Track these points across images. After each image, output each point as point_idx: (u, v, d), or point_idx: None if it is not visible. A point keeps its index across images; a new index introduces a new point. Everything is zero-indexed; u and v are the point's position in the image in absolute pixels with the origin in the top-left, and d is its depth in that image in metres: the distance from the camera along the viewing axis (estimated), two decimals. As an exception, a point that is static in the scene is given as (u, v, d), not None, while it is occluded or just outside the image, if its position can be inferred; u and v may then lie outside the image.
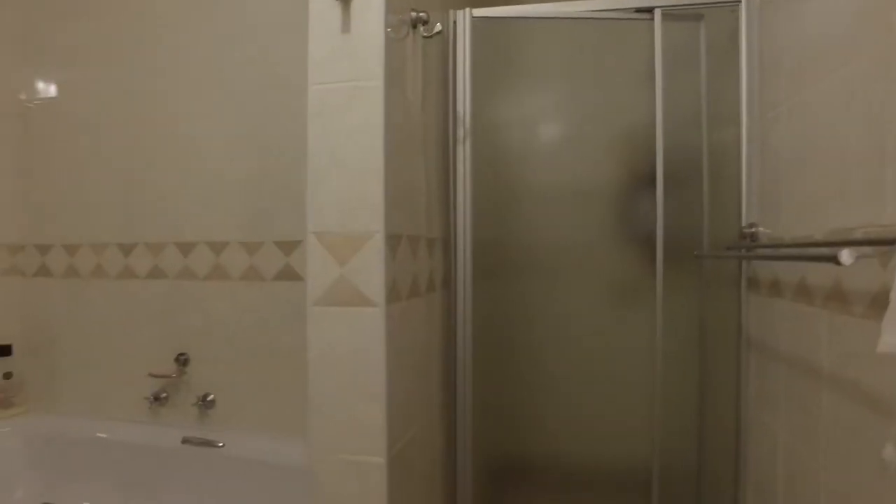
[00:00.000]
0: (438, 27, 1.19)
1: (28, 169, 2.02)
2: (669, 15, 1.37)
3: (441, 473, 1.41)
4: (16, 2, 2.00)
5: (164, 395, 1.86)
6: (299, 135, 1.67)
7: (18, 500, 1.81)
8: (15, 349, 1.98)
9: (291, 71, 1.71)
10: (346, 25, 0.99)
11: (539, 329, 1.63)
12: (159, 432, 1.82)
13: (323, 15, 1.00)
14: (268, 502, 1.62)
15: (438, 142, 1.38)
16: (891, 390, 0.71)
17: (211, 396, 1.82)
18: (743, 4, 1.28)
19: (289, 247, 1.74)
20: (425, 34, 1.18)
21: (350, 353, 0.99)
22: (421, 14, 1.14)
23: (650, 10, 1.37)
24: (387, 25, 1.00)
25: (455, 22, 1.37)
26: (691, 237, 1.47)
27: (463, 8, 1.38)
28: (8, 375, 1.95)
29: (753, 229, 1.27)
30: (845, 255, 0.63)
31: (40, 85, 2.01)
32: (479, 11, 1.39)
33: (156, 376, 1.84)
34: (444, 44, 1.37)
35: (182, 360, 1.84)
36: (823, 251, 0.71)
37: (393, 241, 1.02)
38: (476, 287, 1.42)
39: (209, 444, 1.73)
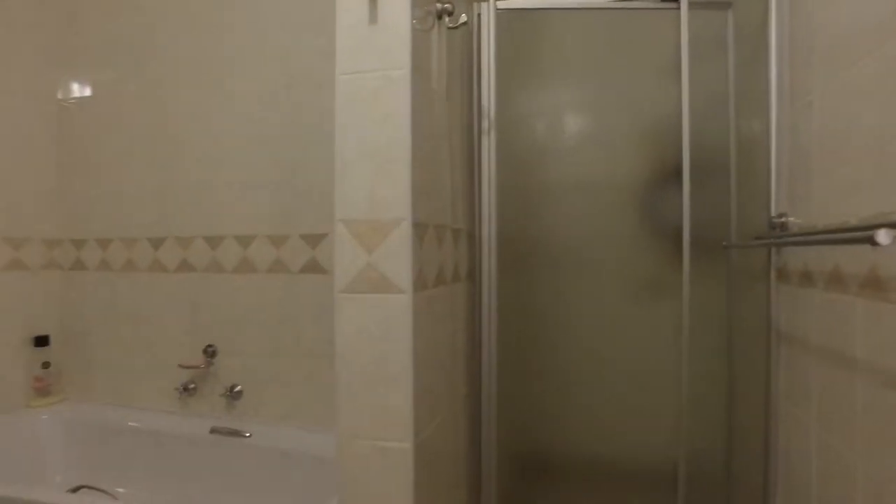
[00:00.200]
0: (463, 18, 1.20)
1: (64, 166, 2.09)
2: (696, 3, 1.36)
3: (465, 465, 1.42)
4: (53, 5, 2.08)
5: (192, 385, 1.90)
6: (324, 130, 1.71)
7: (58, 484, 1.87)
8: (52, 340, 2.05)
9: (317, 66, 1.74)
10: (373, 16, 1.01)
11: (564, 322, 1.62)
12: (188, 422, 1.86)
13: (350, 6, 1.02)
14: (293, 490, 1.64)
15: (463, 133, 1.39)
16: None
17: (238, 387, 1.86)
18: (773, -10, 1.25)
19: (315, 240, 1.77)
20: (450, 25, 1.19)
21: (377, 339, 1.01)
22: (446, 5, 1.15)
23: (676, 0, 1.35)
24: (413, 16, 1.01)
25: (479, 13, 1.37)
26: (718, 229, 1.45)
27: (487, -1, 1.39)
28: (46, 365, 2.02)
29: (783, 219, 1.25)
30: (882, 235, 0.62)
31: (76, 84, 2.08)
32: (504, 3, 1.39)
33: (185, 367, 1.88)
34: (469, 35, 1.37)
35: (210, 352, 1.88)
36: (858, 234, 0.69)
37: (420, 229, 1.03)
38: (500, 279, 1.42)
39: (236, 433, 1.77)
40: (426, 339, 1.07)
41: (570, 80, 1.65)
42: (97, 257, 2.05)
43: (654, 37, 1.51)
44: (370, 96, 1.01)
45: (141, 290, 1.99)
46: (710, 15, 1.43)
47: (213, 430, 1.79)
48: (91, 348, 2.06)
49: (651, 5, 1.39)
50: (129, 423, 1.91)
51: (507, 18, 1.40)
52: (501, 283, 1.42)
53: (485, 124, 1.38)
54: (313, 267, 1.77)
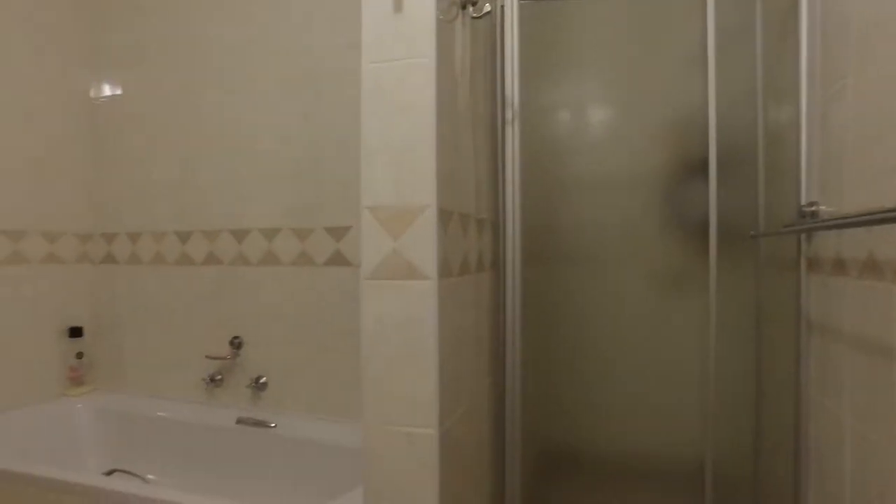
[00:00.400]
0: (487, 8, 1.20)
1: (96, 163, 2.15)
2: (723, -12, 1.33)
3: (489, 459, 1.42)
4: (85, 8, 2.14)
5: (219, 376, 1.94)
6: (347, 124, 1.73)
7: (91, 468, 1.93)
8: (85, 331, 2.11)
9: (339, 62, 1.76)
10: (398, 5, 1.01)
11: (588, 315, 1.61)
12: (215, 413, 1.90)
13: (376, -6, 1.03)
14: (318, 479, 1.66)
15: (486, 123, 1.39)
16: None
17: (263, 379, 1.89)
18: (804, -28, 1.23)
19: (338, 232, 1.79)
20: (474, 15, 1.20)
21: (403, 325, 1.01)
22: (470, -6, 1.15)
23: (703, -14, 1.33)
24: (437, 5, 1.01)
25: (503, 3, 1.37)
26: (745, 220, 1.42)
27: (511, -11, 1.38)
28: (80, 355, 2.08)
29: (813, 208, 1.22)
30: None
31: (107, 84, 2.14)
32: (527, -7, 1.39)
33: (212, 358, 1.92)
34: (492, 25, 1.37)
35: (236, 344, 1.92)
36: (896, 214, 0.67)
37: (445, 216, 1.04)
38: (525, 271, 1.41)
39: (262, 424, 1.80)
40: (451, 325, 1.08)
41: (594, 69, 1.64)
42: (127, 251, 2.11)
43: (679, 25, 1.49)
44: (396, 84, 1.02)
45: (169, 283, 2.04)
46: (737, 0, 1.40)
47: (240, 421, 1.82)
48: (121, 340, 2.11)
49: (676, -8, 1.37)
50: (158, 413, 1.96)
51: (531, 8, 1.40)
52: (525, 275, 1.41)
53: (508, 114, 1.38)
54: (338, 259, 1.79)
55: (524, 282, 1.41)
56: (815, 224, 1.21)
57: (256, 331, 1.90)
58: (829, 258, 1.15)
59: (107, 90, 2.14)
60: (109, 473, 1.86)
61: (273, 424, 1.78)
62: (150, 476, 1.89)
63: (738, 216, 1.42)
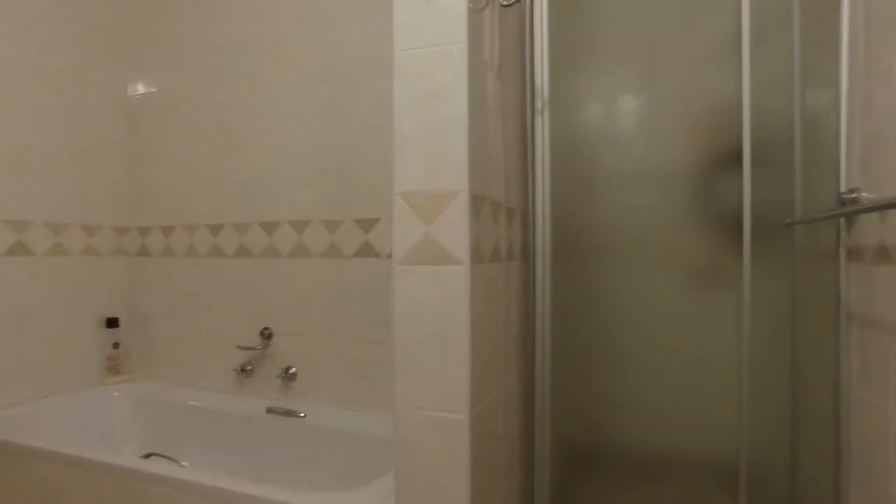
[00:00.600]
0: (518, -5, 1.20)
1: (131, 157, 2.21)
2: (759, -28, 1.31)
3: (518, 452, 1.41)
4: (122, 7, 2.20)
5: (249, 367, 1.98)
6: (376, 117, 1.75)
7: (128, 452, 1.99)
8: (121, 322, 2.17)
9: (369, 56, 1.78)
10: (430, -7, 1.02)
11: (618, 307, 1.59)
12: (246, 402, 1.93)
13: (407, -17, 1.04)
14: (347, 468, 1.68)
15: (515, 113, 1.39)
16: None
17: (293, 369, 1.92)
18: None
19: (368, 224, 1.81)
20: (504, 3, 1.19)
21: (435, 310, 1.02)
22: (500, -18, 1.15)
23: (738, -30, 1.31)
24: (469, -8, 1.02)
25: (532, -7, 1.37)
26: (781, 211, 1.39)
27: (540, -22, 1.38)
28: (116, 345, 2.14)
29: (854, 195, 1.18)
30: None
31: (143, 81, 2.20)
32: (557, -19, 1.38)
33: (242, 349, 1.96)
34: (521, 14, 1.37)
35: (266, 334, 1.95)
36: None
37: (477, 201, 1.04)
38: (554, 262, 1.40)
39: (291, 413, 1.82)
40: (482, 311, 1.08)
41: (624, 58, 1.62)
42: (161, 244, 2.16)
43: (713, 10, 1.47)
44: (427, 71, 1.03)
45: (201, 276, 2.08)
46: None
47: (269, 410, 1.85)
48: (155, 330, 2.17)
49: (710, -22, 1.35)
50: (190, 403, 2.01)
51: (561, -4, 1.39)
52: (555, 266, 1.40)
53: (538, 104, 1.37)
54: (367, 251, 1.81)
55: (553, 273, 1.40)
56: (859, 208, 1.17)
57: (286, 322, 1.93)
58: (872, 246, 1.11)
59: (142, 87, 2.20)
60: (147, 457, 1.92)
61: (302, 414, 1.81)
62: (182, 462, 1.94)
63: (773, 206, 1.39)
